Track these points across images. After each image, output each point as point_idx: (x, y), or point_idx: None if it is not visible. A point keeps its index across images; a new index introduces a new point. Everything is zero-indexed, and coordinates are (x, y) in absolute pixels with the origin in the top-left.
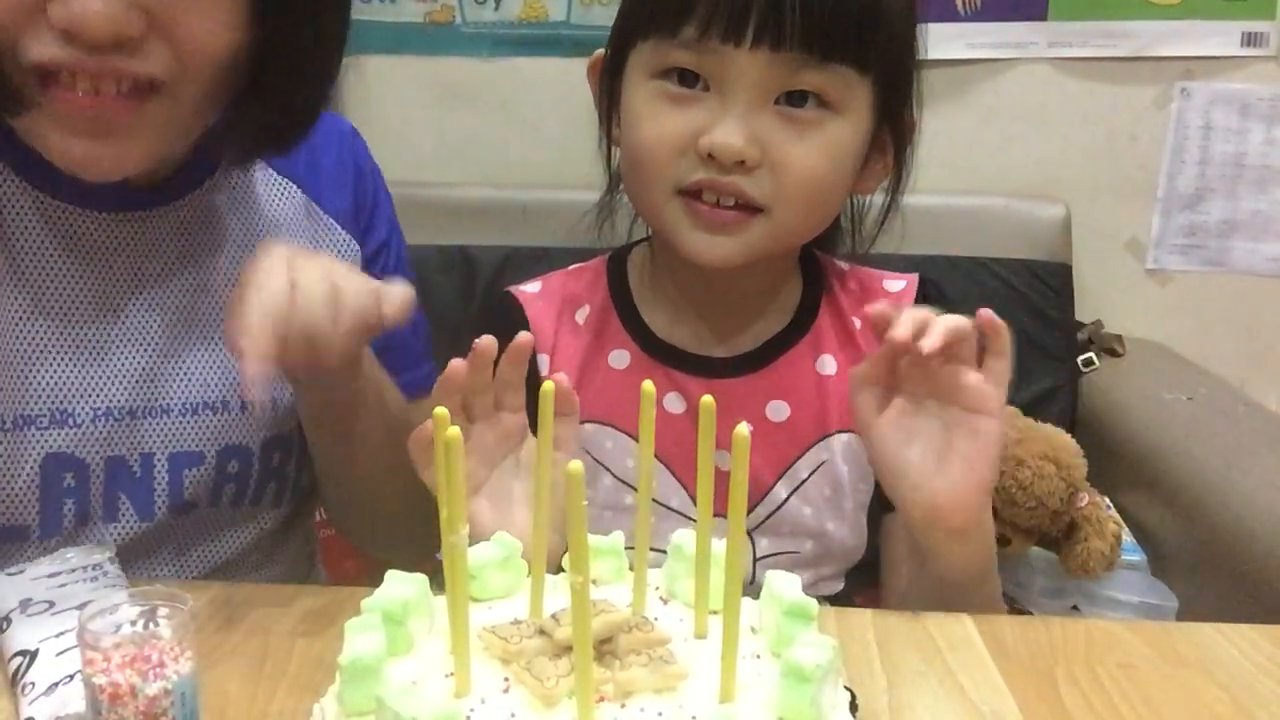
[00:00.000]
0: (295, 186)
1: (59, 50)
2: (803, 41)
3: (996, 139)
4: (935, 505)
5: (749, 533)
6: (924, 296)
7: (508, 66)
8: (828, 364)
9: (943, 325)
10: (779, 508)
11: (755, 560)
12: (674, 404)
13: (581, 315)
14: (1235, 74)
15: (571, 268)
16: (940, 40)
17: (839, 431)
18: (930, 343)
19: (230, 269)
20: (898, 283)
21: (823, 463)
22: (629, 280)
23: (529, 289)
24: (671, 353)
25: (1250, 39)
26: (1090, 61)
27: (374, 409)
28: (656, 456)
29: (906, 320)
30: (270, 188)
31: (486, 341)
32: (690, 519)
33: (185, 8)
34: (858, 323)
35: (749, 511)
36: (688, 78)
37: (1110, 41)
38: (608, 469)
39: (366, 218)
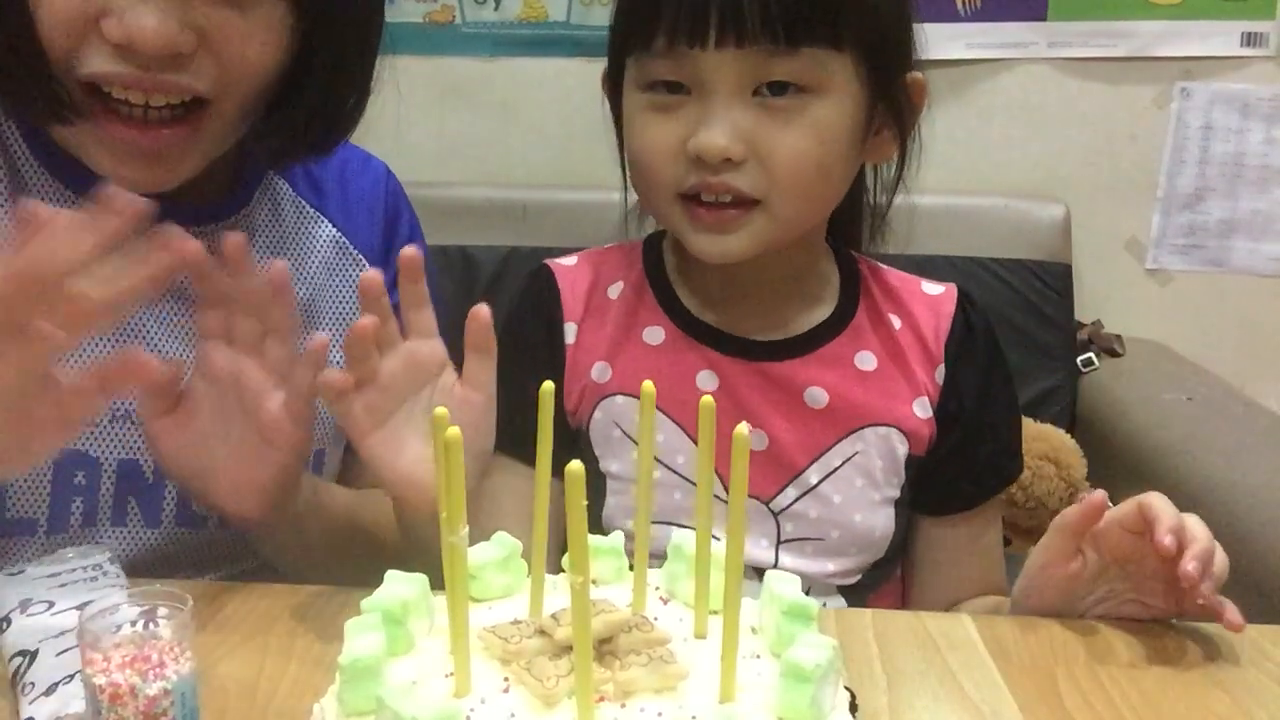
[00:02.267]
0: (326, 220)
1: (111, 65)
2: (765, 33)
3: (996, 139)
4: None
5: (775, 515)
6: (959, 305)
7: (508, 66)
8: (866, 360)
9: (1198, 552)
10: (808, 491)
11: (780, 544)
12: (707, 381)
13: (615, 290)
14: (1235, 74)
15: (607, 246)
16: (940, 40)
17: (874, 424)
18: (1189, 569)
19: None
20: (937, 287)
21: (856, 453)
22: (664, 262)
23: (565, 262)
24: (708, 331)
25: (1250, 39)
26: (1090, 61)
27: (307, 517)
28: (685, 432)
29: (1176, 531)
30: (302, 220)
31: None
32: (715, 495)
33: (234, 26)
34: (897, 322)
35: (779, 492)
36: (672, 85)
37: (1110, 41)
38: (637, 443)
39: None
